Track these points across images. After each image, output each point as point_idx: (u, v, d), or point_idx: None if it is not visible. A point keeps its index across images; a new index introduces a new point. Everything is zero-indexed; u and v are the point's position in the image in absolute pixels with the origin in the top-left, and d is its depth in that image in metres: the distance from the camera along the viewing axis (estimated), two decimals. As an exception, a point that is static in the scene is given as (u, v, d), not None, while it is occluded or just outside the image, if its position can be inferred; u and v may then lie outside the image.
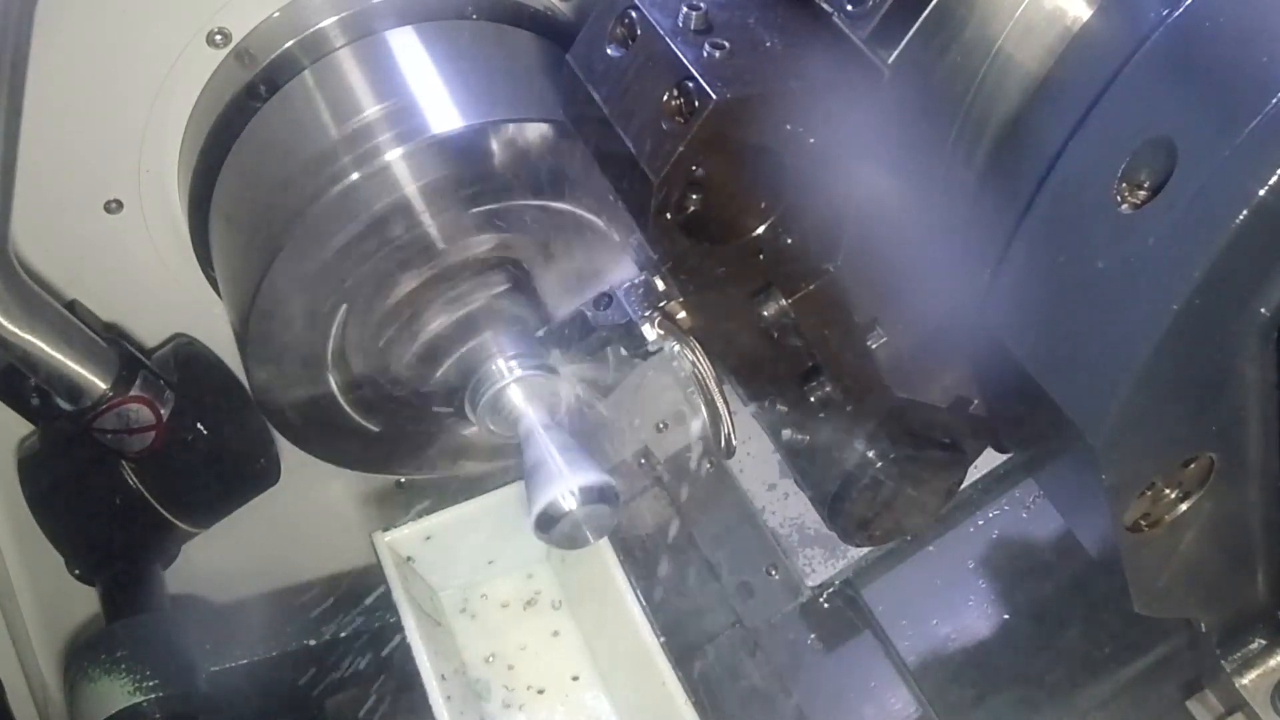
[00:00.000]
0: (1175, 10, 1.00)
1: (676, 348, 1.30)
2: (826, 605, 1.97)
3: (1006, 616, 1.86)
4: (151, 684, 1.84)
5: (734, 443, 1.36)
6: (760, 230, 1.19)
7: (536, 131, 1.68)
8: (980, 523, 1.93)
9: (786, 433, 1.36)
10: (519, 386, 1.71)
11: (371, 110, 1.73)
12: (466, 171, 1.67)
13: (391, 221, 1.67)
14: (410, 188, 1.66)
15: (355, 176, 1.65)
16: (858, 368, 1.28)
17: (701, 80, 1.08)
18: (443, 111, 1.71)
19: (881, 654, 1.91)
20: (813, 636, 1.95)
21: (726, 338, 1.28)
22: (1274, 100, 0.91)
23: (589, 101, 1.20)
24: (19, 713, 2.12)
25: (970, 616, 1.88)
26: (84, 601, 2.10)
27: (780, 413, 1.35)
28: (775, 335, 1.27)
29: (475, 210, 1.71)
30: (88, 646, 1.92)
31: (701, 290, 1.24)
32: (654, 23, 1.14)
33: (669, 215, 1.13)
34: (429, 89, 1.76)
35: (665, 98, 1.11)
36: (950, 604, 1.90)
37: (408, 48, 1.81)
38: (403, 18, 1.82)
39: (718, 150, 1.11)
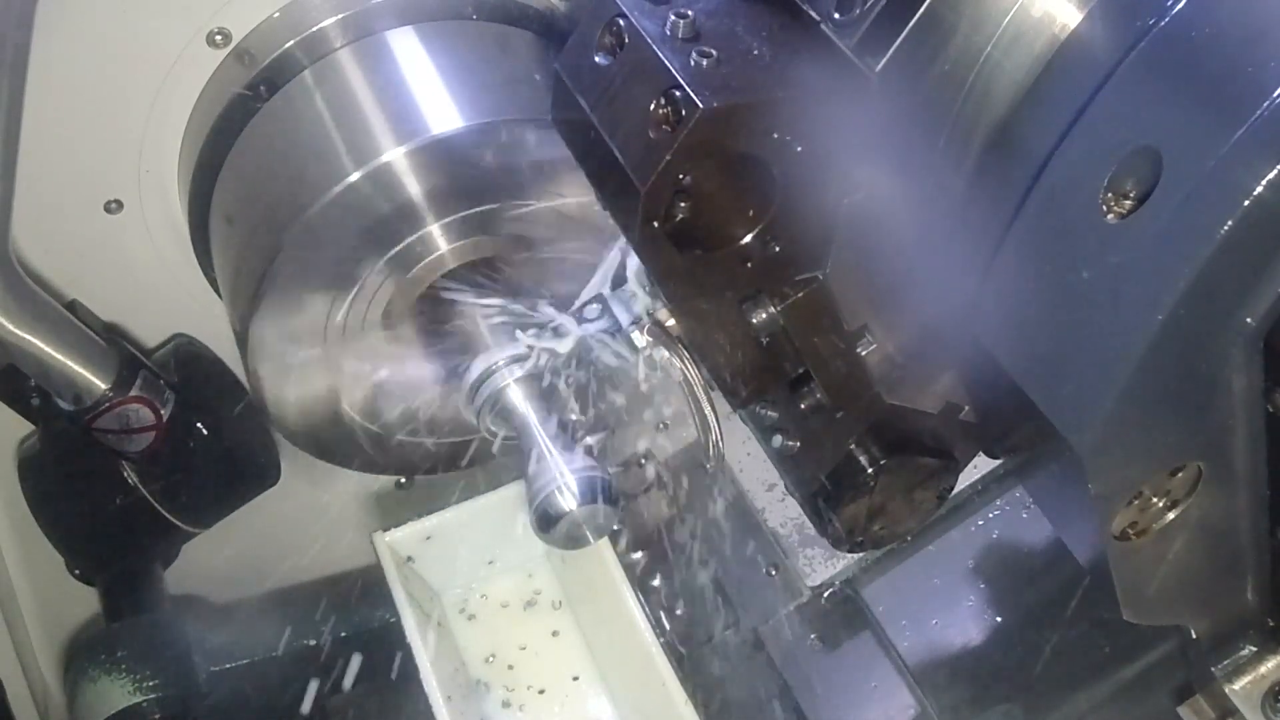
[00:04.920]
0: (1162, 19, 0.99)
1: (666, 354, 1.30)
2: (827, 605, 1.97)
3: (1005, 617, 1.86)
4: (151, 684, 1.85)
5: (722, 449, 1.36)
6: (748, 238, 1.19)
7: (536, 131, 1.68)
8: (980, 523, 1.93)
9: (777, 439, 1.36)
10: (519, 387, 1.71)
11: (371, 110, 1.74)
12: (466, 171, 1.68)
13: (391, 221, 1.67)
14: (410, 188, 1.66)
15: (355, 176, 1.65)
16: (847, 374, 1.28)
17: (688, 89, 1.07)
18: (443, 111, 1.71)
19: (881, 654, 1.91)
20: (813, 636, 1.95)
21: (716, 344, 1.27)
22: (1260, 109, 0.90)
23: (577, 109, 1.20)
24: (19, 713, 2.12)
25: (970, 617, 1.88)
26: (84, 601, 2.11)
27: (771, 419, 1.35)
28: (765, 342, 1.27)
29: (475, 210, 1.71)
30: (88, 646, 1.92)
31: (690, 298, 1.24)
32: (641, 30, 1.13)
33: (656, 224, 1.13)
34: (429, 89, 1.76)
35: (652, 106, 1.10)
36: (950, 604, 1.90)
37: (408, 48, 1.81)
38: (403, 18, 1.82)
39: (705, 159, 1.11)
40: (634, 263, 1.39)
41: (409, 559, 1.89)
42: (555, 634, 1.93)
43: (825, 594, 1.97)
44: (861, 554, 1.93)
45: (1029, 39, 1.08)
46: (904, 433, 1.34)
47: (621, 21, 1.16)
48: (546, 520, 1.62)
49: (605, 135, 1.15)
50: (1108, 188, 0.98)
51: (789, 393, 1.31)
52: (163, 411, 1.91)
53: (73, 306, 1.90)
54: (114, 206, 1.88)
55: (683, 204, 1.14)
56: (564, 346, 1.55)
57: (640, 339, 1.33)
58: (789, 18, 1.16)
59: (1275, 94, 0.90)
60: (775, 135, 1.12)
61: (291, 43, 1.80)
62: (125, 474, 1.96)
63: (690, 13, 1.14)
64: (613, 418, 1.69)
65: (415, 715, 1.71)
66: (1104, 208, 0.98)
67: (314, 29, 1.80)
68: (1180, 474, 1.10)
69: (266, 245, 1.70)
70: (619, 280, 1.41)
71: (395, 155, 1.66)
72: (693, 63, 1.10)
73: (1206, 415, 1.06)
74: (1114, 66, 1.01)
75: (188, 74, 1.81)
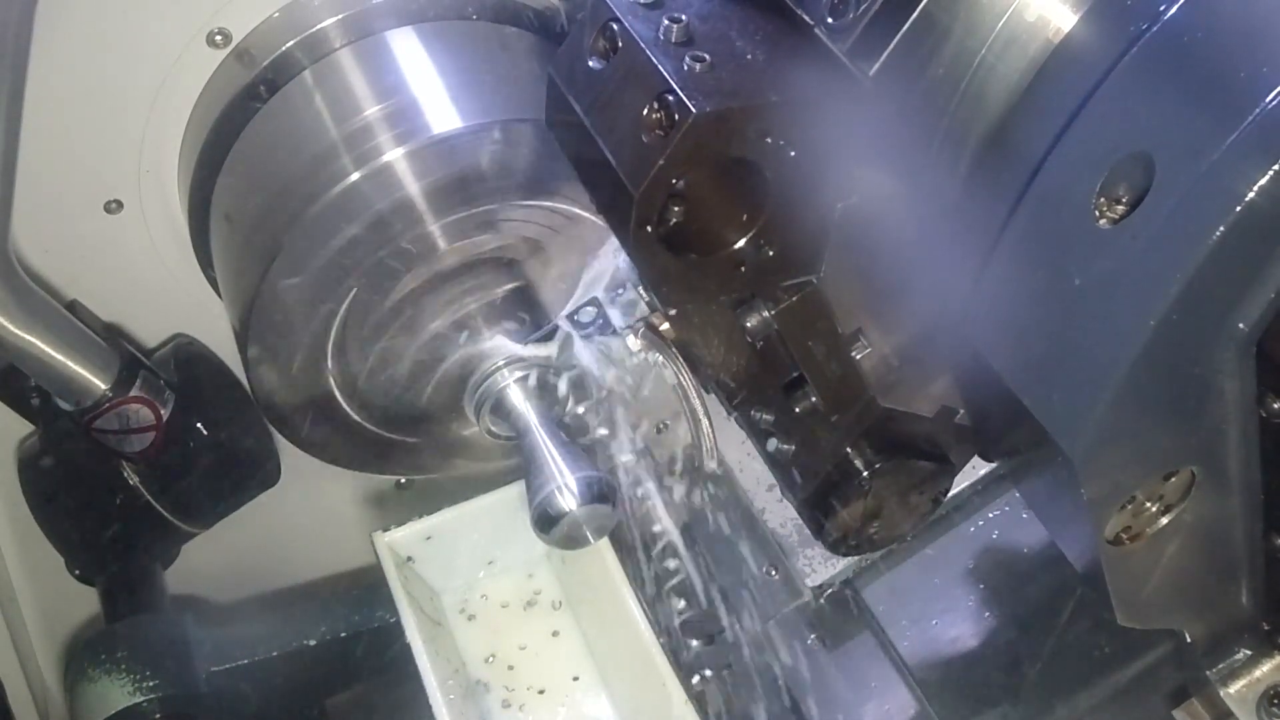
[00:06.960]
0: (1155, 25, 0.99)
1: (660, 358, 1.30)
2: (827, 605, 1.97)
3: (1005, 618, 1.86)
4: (151, 684, 1.84)
5: (717, 453, 1.36)
6: (742, 242, 1.19)
7: (535, 132, 1.68)
8: (980, 523, 1.92)
9: (772, 442, 1.36)
10: (519, 387, 1.71)
11: (371, 110, 1.74)
12: (466, 171, 1.68)
13: (391, 222, 1.68)
14: (410, 188, 1.67)
15: (355, 176, 1.65)
16: (842, 378, 1.28)
17: (681, 93, 1.07)
18: (443, 111, 1.71)
19: (881, 654, 1.90)
20: (813, 636, 1.95)
21: (710, 348, 1.27)
22: (1252, 115, 0.90)
23: (570, 112, 1.19)
24: (19, 713, 2.13)
25: (970, 617, 1.87)
26: (84, 601, 2.11)
27: (766, 422, 1.35)
28: (759, 346, 1.26)
29: (475, 210, 1.71)
30: (88, 646, 1.92)
31: (684, 302, 1.24)
32: (634, 35, 1.13)
33: (649, 228, 1.13)
34: (429, 89, 1.76)
35: (645, 111, 1.10)
36: (950, 604, 1.89)
37: (408, 48, 1.81)
38: (403, 18, 1.82)
39: (698, 163, 1.10)
40: (628, 266, 1.39)
41: (409, 559, 1.89)
42: (555, 634, 1.93)
43: (825, 594, 1.97)
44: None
45: (1023, 43, 1.08)
46: (899, 436, 1.34)
47: (615, 26, 1.16)
48: (546, 520, 1.63)
49: (598, 139, 1.15)
50: (1100, 193, 0.98)
51: (784, 396, 1.31)
52: (163, 411, 1.91)
53: (73, 306, 1.91)
54: (114, 206, 1.89)
55: (676, 208, 1.14)
56: (556, 349, 1.56)
57: (634, 342, 1.33)
58: (783, 22, 1.16)
59: (1267, 100, 0.89)
60: (769, 139, 1.12)
61: (291, 43, 1.81)
62: (125, 474, 1.96)
63: (684, 17, 1.14)
64: (609, 420, 1.69)
65: (415, 715, 1.70)
66: (1096, 213, 0.98)
67: (314, 29, 1.81)
68: (1173, 478, 1.10)
69: (266, 245, 1.70)
70: (614, 284, 1.41)
71: (395, 155, 1.66)
72: (686, 67, 1.10)
73: (1199, 420, 1.05)
74: (1107, 71, 1.01)
75: (188, 74, 1.81)
